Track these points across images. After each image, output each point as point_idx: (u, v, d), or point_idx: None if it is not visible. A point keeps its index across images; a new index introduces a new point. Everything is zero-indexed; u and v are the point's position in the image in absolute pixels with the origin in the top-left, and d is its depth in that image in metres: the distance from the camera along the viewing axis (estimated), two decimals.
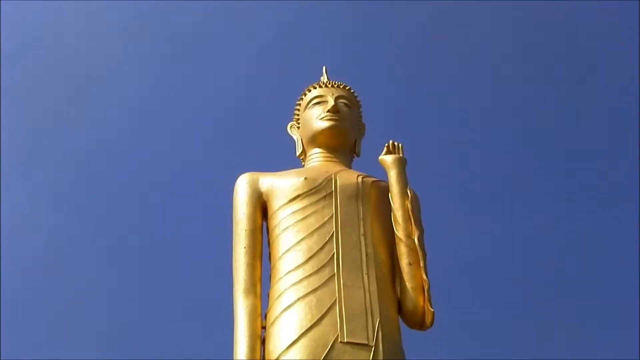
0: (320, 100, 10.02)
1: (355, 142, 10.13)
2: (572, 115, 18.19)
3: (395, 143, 9.59)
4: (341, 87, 10.27)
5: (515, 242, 16.69)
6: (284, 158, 10.29)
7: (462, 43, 18.37)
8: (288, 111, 10.58)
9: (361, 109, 10.47)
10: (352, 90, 10.37)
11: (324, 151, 9.76)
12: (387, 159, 9.45)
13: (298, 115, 10.34)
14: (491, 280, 16.18)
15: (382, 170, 9.52)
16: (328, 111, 9.83)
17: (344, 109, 9.98)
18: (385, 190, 9.20)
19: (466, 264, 15.93)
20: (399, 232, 8.81)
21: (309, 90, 10.30)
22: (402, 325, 8.63)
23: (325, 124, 9.80)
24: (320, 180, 9.05)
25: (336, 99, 9.97)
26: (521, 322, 15.26)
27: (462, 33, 18.68)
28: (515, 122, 17.80)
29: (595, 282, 16.81)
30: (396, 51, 18.66)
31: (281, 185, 9.12)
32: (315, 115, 9.93)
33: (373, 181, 9.28)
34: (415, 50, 18.78)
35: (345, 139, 9.91)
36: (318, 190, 8.95)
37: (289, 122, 10.49)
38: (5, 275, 15.75)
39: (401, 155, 9.46)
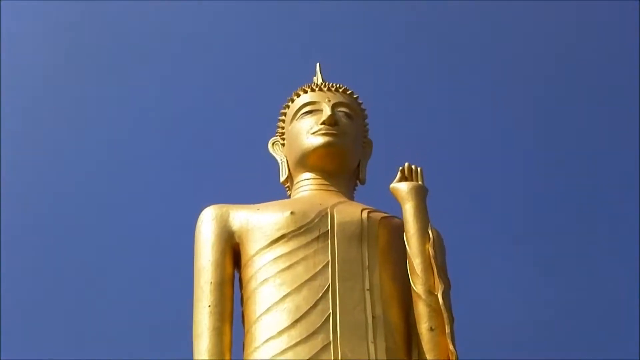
0: (312, 109, 9.10)
1: (358, 164, 9.26)
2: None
3: (413, 166, 8.72)
4: (340, 90, 9.32)
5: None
6: (264, 185, 9.80)
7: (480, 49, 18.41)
8: (271, 123, 9.72)
9: (367, 121, 9.51)
10: (355, 95, 9.38)
11: (317, 177, 8.91)
12: (402, 188, 8.53)
13: (283, 128, 9.41)
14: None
15: (394, 203, 8.61)
16: (323, 123, 8.92)
17: (344, 120, 9.05)
18: (398, 230, 8.35)
19: (496, 322, 15.30)
20: (418, 287, 7.95)
21: (298, 95, 9.33)
22: None
23: (319, 140, 8.88)
24: (312, 216, 8.21)
25: (334, 106, 9.04)
26: None
27: (484, 36, 18.50)
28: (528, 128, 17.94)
29: (595, 282, 16.63)
30: (410, 51, 17.76)
31: (260, 223, 8.32)
32: (305, 129, 9.00)
33: (382, 217, 8.41)
34: (434, 53, 18.18)
35: (346, 161, 9.03)
36: (309, 229, 8.13)
37: (270, 137, 9.59)
38: (6, 275, 15.63)
39: (420, 182, 8.61)
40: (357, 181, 9.29)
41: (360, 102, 9.45)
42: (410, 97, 17.67)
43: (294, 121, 9.18)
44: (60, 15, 17.86)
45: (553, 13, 17.73)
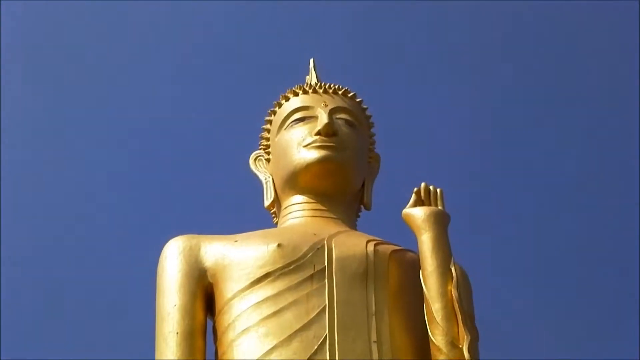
0: (304, 115, 8.46)
1: (362, 185, 8.63)
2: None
3: (431, 187, 8.08)
4: (340, 92, 8.68)
5: None
6: (244, 211, 9.51)
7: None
8: (253, 134, 9.15)
9: (374, 130, 8.92)
10: (358, 99, 8.75)
11: (310, 200, 8.29)
12: (417, 215, 7.86)
13: (268, 140, 8.85)
14: None
15: (408, 233, 7.91)
16: (318, 133, 8.26)
17: (345, 129, 8.41)
18: (413, 267, 7.70)
19: None
20: (437, 338, 7.26)
21: (287, 99, 8.71)
22: None
23: (314, 154, 8.23)
24: (305, 250, 7.54)
25: (331, 112, 8.38)
26: None
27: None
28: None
29: (595, 282, 17.04)
30: (417, 47, 17.69)
31: (239, 258, 7.63)
32: (296, 141, 8.37)
33: (393, 251, 7.75)
34: (442, 50, 18.14)
35: (347, 180, 8.38)
36: (301, 266, 7.46)
37: (252, 151, 9.02)
38: (6, 275, 15.92)
39: (440, 207, 7.98)
40: (361, 206, 8.67)
41: (365, 107, 8.82)
42: (422, 102, 17.74)
43: (282, 131, 8.53)
44: (60, 15, 18.24)
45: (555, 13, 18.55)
